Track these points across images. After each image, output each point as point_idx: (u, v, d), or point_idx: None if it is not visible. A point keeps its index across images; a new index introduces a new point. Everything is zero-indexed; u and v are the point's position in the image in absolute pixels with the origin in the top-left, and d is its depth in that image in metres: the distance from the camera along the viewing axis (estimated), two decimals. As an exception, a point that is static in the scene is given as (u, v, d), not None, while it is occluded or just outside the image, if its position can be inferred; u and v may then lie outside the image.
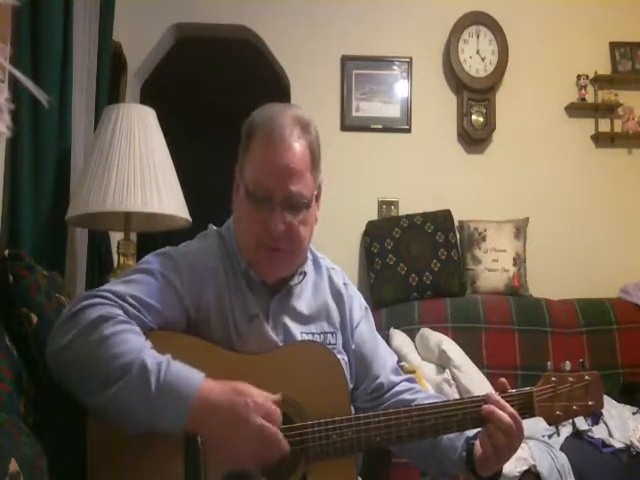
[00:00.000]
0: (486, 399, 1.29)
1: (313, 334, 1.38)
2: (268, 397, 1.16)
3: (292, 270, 1.36)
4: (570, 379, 1.33)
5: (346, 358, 1.41)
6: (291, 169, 1.27)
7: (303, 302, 1.38)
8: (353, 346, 1.43)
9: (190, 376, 1.13)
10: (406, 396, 1.43)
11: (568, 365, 1.35)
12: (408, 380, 1.48)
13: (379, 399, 1.43)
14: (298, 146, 1.28)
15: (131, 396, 1.10)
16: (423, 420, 1.27)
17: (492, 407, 1.26)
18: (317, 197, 1.37)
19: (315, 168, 1.32)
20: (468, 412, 1.29)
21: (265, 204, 1.27)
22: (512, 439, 1.27)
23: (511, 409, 1.27)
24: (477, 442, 1.31)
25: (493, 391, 1.34)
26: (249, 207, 1.29)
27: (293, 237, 1.29)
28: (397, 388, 1.45)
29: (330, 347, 1.37)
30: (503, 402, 1.28)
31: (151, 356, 1.13)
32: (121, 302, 1.19)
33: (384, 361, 1.47)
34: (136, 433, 1.12)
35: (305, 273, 1.39)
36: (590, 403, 1.33)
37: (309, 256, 1.43)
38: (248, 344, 1.29)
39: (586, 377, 1.34)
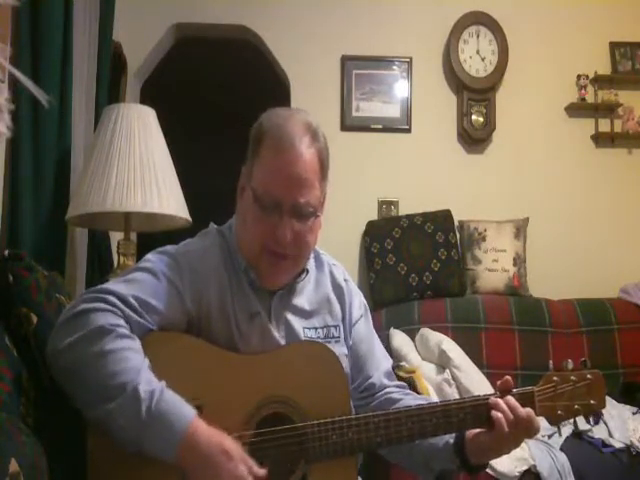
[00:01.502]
0: (493, 405, 1.28)
1: (316, 328, 1.38)
2: (252, 471, 1.14)
3: (293, 277, 1.36)
4: (572, 378, 1.33)
5: (346, 351, 1.41)
6: (302, 179, 1.26)
7: (304, 297, 1.39)
8: (350, 342, 1.44)
9: (180, 412, 1.12)
10: (395, 395, 1.43)
11: (570, 364, 1.35)
12: (399, 386, 1.48)
13: (368, 398, 1.44)
14: (308, 155, 1.27)
15: (122, 418, 1.10)
16: (423, 420, 1.27)
17: (499, 415, 1.26)
18: (322, 204, 1.36)
19: (323, 177, 1.32)
20: (469, 412, 1.29)
21: (273, 211, 1.27)
22: (520, 433, 1.27)
23: (522, 412, 1.27)
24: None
25: (493, 391, 1.34)
26: (256, 212, 1.28)
27: (300, 244, 1.30)
28: (387, 390, 1.45)
29: (334, 340, 1.38)
30: (512, 408, 1.27)
31: (146, 381, 1.12)
32: (122, 306, 1.19)
33: (378, 363, 1.48)
34: (127, 451, 1.12)
35: (307, 271, 1.39)
36: (592, 402, 1.33)
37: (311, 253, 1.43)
38: (250, 342, 1.29)
39: (588, 376, 1.34)
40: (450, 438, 1.32)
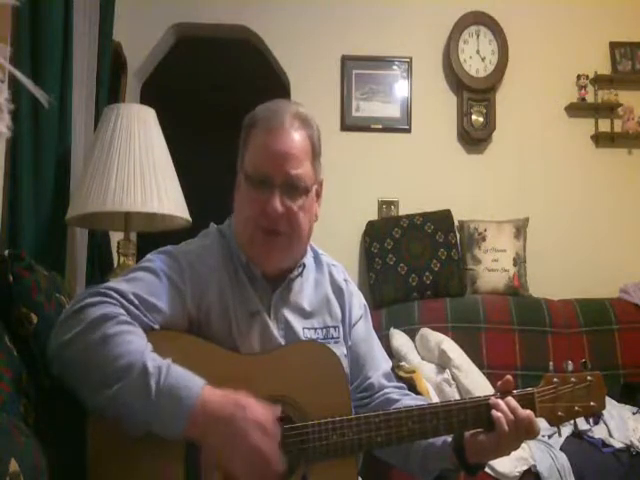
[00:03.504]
0: (493, 405, 1.28)
1: (315, 329, 1.38)
2: (268, 412, 1.14)
3: (290, 259, 1.36)
4: (572, 379, 1.33)
5: (345, 352, 1.42)
6: (290, 154, 1.29)
7: (304, 297, 1.39)
8: (349, 343, 1.44)
9: (190, 382, 1.12)
10: (393, 396, 1.43)
11: (570, 365, 1.34)
12: (398, 387, 1.48)
13: (367, 399, 1.44)
14: (298, 135, 1.31)
15: (131, 398, 1.10)
16: (424, 420, 1.27)
17: (499, 414, 1.26)
18: (318, 194, 1.38)
19: (315, 159, 1.34)
20: (470, 413, 1.29)
21: (264, 187, 1.28)
22: (520, 435, 1.27)
23: (523, 413, 1.27)
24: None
25: (493, 391, 1.34)
26: (248, 191, 1.31)
27: (292, 221, 1.30)
28: (385, 390, 1.45)
29: (333, 340, 1.38)
30: (512, 409, 1.27)
31: (152, 359, 1.13)
32: (123, 301, 1.19)
33: (377, 364, 1.48)
34: (135, 434, 1.11)
35: (304, 265, 1.39)
36: (592, 404, 1.33)
37: (310, 252, 1.44)
38: (250, 341, 1.30)
39: (588, 378, 1.34)
40: (449, 437, 1.32)
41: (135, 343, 1.14)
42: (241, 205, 1.34)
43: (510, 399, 1.28)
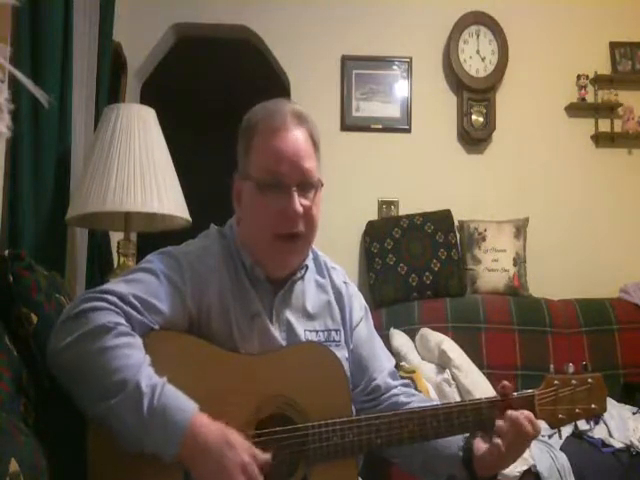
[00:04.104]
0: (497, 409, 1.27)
1: (317, 332, 1.38)
2: (257, 458, 1.14)
3: (303, 258, 1.37)
4: (573, 382, 1.32)
5: (347, 354, 1.41)
6: (300, 150, 1.30)
7: (307, 299, 1.39)
8: (351, 346, 1.43)
9: (183, 405, 1.12)
10: (402, 398, 1.43)
11: (571, 367, 1.34)
12: (404, 385, 1.48)
13: (375, 401, 1.43)
14: (300, 132, 1.31)
15: (124, 414, 1.10)
16: (424, 423, 1.27)
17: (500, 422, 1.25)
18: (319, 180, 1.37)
19: (316, 153, 1.35)
20: (470, 415, 1.28)
21: (278, 191, 1.28)
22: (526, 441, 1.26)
23: (524, 419, 1.26)
24: (476, 440, 1.30)
25: (494, 392, 1.34)
26: (259, 199, 1.29)
27: (309, 219, 1.31)
28: (393, 391, 1.45)
29: (335, 344, 1.38)
30: (513, 419, 1.26)
31: (147, 377, 1.12)
32: (122, 305, 1.18)
33: (381, 364, 1.47)
34: (130, 451, 1.11)
35: (307, 266, 1.39)
36: (593, 406, 1.32)
37: (310, 254, 1.43)
38: (251, 342, 1.29)
39: (589, 380, 1.33)
40: (459, 451, 1.31)
41: (132, 357, 1.14)
42: (252, 214, 1.32)
43: (510, 412, 1.26)
